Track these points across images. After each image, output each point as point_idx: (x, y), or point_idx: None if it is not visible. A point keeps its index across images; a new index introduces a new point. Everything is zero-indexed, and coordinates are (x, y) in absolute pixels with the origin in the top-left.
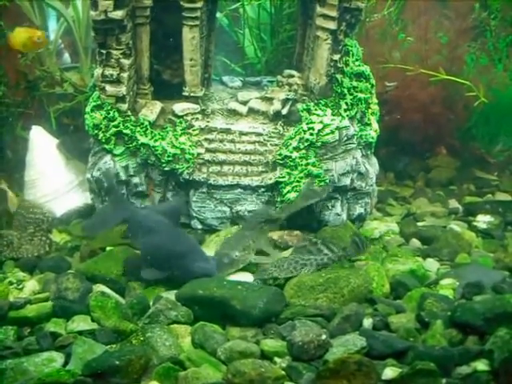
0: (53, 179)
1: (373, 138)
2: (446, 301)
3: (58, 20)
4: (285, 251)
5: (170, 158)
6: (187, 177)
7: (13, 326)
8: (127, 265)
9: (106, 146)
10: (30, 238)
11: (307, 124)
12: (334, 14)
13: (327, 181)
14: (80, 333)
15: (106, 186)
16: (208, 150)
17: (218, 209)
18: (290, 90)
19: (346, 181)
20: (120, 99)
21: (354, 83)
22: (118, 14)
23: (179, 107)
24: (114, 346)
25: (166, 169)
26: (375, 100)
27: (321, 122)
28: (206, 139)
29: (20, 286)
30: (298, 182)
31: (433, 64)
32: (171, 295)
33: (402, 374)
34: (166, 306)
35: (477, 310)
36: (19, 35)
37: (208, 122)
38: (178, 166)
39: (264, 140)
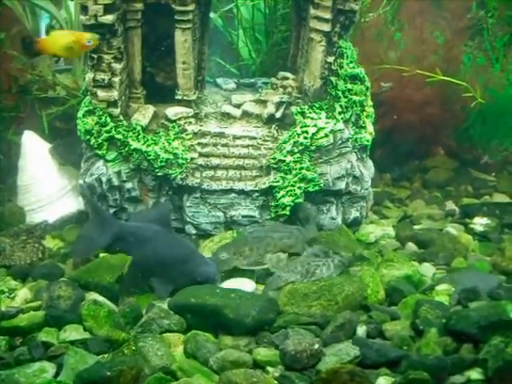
0: (46, 184)
1: (368, 140)
2: (442, 307)
3: (51, 21)
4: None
5: (162, 164)
6: (180, 182)
7: (4, 336)
8: (127, 278)
9: (98, 152)
10: (23, 245)
11: (301, 127)
12: (327, 16)
13: (322, 185)
14: (72, 342)
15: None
16: (201, 155)
17: (211, 214)
18: (284, 93)
19: (341, 185)
20: (112, 104)
21: (349, 85)
22: (109, 19)
23: (172, 111)
24: (106, 355)
25: (159, 174)
26: (370, 102)
27: (315, 125)
28: (199, 143)
29: (12, 295)
30: (292, 186)
31: (429, 64)
32: (164, 303)
33: (394, 383)
34: (158, 315)
35: (471, 317)
36: (60, 39)
37: (201, 125)
38: (171, 171)
39: (258, 144)
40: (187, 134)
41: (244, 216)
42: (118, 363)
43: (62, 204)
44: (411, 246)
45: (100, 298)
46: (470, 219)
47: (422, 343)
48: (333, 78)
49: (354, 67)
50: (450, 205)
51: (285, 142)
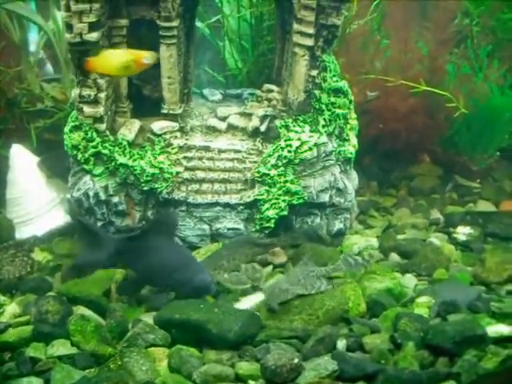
0: (35, 197)
1: (351, 153)
2: (421, 320)
3: (39, 31)
4: (265, 268)
5: (148, 178)
6: (166, 196)
7: None
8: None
9: (85, 167)
10: (12, 259)
11: (285, 141)
12: (310, 31)
13: (306, 198)
14: (60, 358)
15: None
16: (187, 169)
17: (197, 227)
18: (269, 106)
19: (325, 197)
20: (98, 119)
21: (332, 99)
22: (93, 36)
23: (158, 125)
24: (92, 370)
25: (145, 188)
26: (354, 115)
27: (299, 138)
28: (184, 157)
29: (1, 310)
30: (276, 199)
31: (414, 74)
32: (150, 318)
33: None
34: (143, 330)
35: (447, 332)
36: (114, 59)
37: (187, 139)
38: (156, 186)
39: (243, 157)
40: (173, 148)
41: (229, 229)
42: (104, 379)
43: (50, 217)
44: (394, 257)
45: (87, 312)
46: (453, 228)
47: (400, 357)
48: (316, 92)
49: (337, 81)
50: (435, 213)
51: (269, 156)
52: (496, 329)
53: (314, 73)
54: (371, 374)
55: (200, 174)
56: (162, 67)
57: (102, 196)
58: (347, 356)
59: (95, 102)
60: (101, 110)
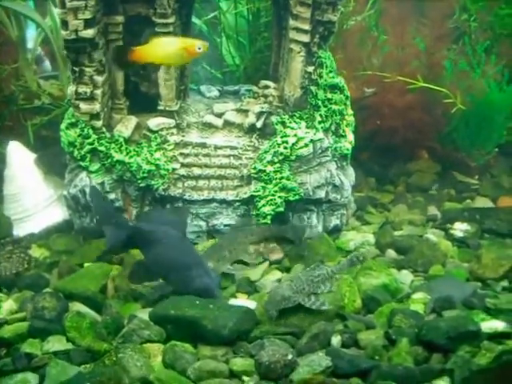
0: (32, 194)
1: (348, 149)
2: (416, 316)
3: (37, 28)
4: (261, 264)
5: (145, 175)
6: (163, 192)
7: None
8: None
9: (81, 163)
10: (9, 256)
11: (281, 137)
12: (306, 27)
13: (302, 194)
14: (55, 353)
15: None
16: (183, 165)
17: (194, 223)
18: (265, 102)
19: (321, 193)
20: (94, 116)
21: (329, 95)
22: (89, 33)
23: (154, 122)
24: (87, 365)
25: (142, 185)
26: (350, 111)
27: (295, 135)
28: (181, 154)
29: None
30: (272, 195)
31: (411, 70)
32: (146, 314)
33: None
34: (139, 326)
35: (441, 328)
36: (165, 47)
37: (183, 136)
38: (153, 182)
39: (239, 153)
40: (169, 145)
41: (226, 225)
42: (98, 374)
43: (48, 213)
44: (391, 253)
45: (84, 309)
46: (450, 224)
47: (394, 353)
48: (313, 88)
49: (333, 77)
50: (432, 210)
51: (265, 152)
52: (490, 325)
53: (311, 69)
54: (365, 370)
55: (196, 171)
56: None
57: None
58: (341, 352)
59: (91, 98)
60: (97, 106)
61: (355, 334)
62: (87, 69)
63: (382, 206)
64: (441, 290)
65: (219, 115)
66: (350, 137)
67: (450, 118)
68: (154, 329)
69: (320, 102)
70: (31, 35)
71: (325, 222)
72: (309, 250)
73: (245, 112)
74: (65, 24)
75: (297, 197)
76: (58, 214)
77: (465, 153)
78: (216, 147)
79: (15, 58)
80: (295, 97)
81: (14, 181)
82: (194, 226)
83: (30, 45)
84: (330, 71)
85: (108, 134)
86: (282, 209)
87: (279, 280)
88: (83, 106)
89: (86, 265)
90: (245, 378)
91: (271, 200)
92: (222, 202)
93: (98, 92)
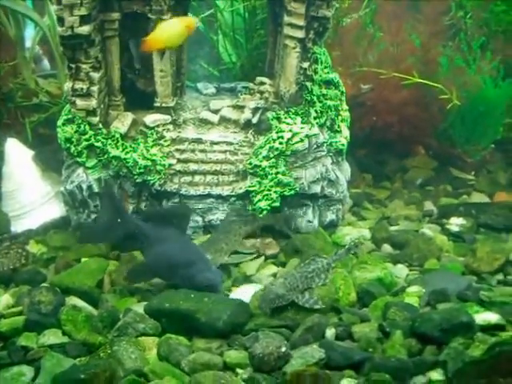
0: (30, 191)
1: (343, 145)
2: (410, 309)
3: (35, 27)
4: (258, 259)
5: (141, 170)
6: (159, 188)
7: None
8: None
9: (78, 159)
10: (6, 251)
11: (277, 133)
12: (301, 23)
13: (297, 189)
14: (51, 346)
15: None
16: (179, 161)
17: (190, 219)
18: (261, 98)
19: (317, 188)
20: (91, 112)
21: (324, 91)
22: (85, 30)
23: (150, 118)
24: (83, 358)
25: (138, 180)
26: (345, 107)
27: (290, 130)
28: (177, 150)
29: None
30: (268, 190)
31: (407, 67)
32: (141, 308)
33: None
34: (134, 319)
35: (435, 320)
36: (171, 28)
37: (179, 132)
38: (149, 178)
39: (235, 149)
40: (165, 141)
41: (222, 220)
42: (92, 366)
43: (45, 210)
44: (387, 248)
45: (80, 303)
46: (446, 219)
47: (388, 345)
48: (308, 84)
49: (328, 72)
50: (429, 205)
51: (261, 148)
52: (484, 317)
53: (306, 65)
54: (358, 362)
55: (192, 166)
56: (154, 60)
57: (96, 188)
58: (335, 344)
59: (88, 95)
60: (93, 103)
61: (349, 326)
62: (83, 65)
63: (379, 202)
64: (436, 283)
65: (215, 111)
66: (346, 132)
67: (446, 114)
68: (149, 322)
69: (315, 98)
70: (29, 34)
71: (321, 216)
72: (304, 244)
73: (241, 108)
74: (61, 20)
75: (292, 192)
76: (55, 210)
77: (461, 149)
78: (212, 143)
79: (13, 57)
80: (290, 92)
81: (12, 178)
82: (191, 222)
83: (28, 44)
84: (325, 67)
85: (104, 130)
86: (277, 203)
87: (275, 274)
88: (80, 102)
89: (82, 260)
90: (239, 370)
91: (267, 195)
92: (218, 197)
93: (95, 88)
